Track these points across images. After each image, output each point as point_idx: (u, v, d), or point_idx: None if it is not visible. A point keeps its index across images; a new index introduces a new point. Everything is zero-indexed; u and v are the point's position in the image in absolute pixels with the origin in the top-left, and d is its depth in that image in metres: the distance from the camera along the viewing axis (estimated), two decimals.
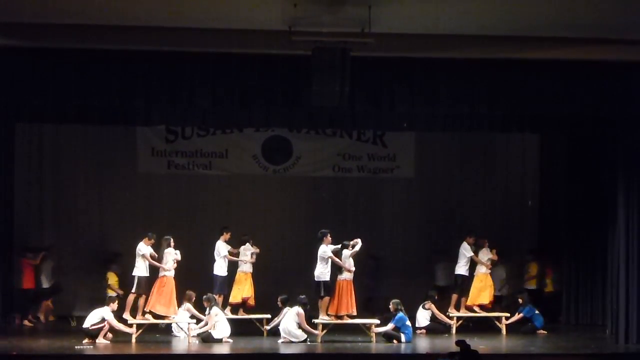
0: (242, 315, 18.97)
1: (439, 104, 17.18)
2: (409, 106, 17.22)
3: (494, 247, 19.97)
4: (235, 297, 19.00)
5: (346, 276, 17.99)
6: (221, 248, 18.91)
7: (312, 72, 15.59)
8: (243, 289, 18.98)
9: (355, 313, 18.10)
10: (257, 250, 19.16)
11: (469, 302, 19.74)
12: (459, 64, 16.89)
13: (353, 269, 18.04)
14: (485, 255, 19.82)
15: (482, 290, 19.74)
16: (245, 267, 19.12)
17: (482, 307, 19.80)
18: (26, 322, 20.13)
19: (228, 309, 18.83)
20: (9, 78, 16.30)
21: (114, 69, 16.51)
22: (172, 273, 18.11)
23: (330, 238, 18.09)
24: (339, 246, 18.05)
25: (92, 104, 17.14)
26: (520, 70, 16.96)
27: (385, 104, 17.16)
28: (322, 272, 18.06)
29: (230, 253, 18.95)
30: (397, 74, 16.99)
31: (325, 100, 15.91)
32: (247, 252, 19.09)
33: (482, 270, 19.82)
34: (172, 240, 18.23)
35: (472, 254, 19.76)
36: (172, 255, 18.08)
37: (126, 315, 18.11)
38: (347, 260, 17.97)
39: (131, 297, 18.24)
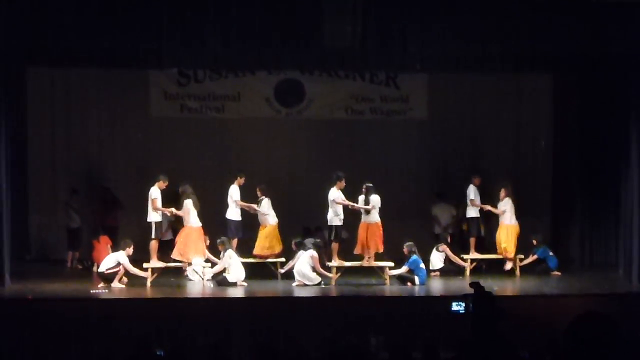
0: (256, 259, 19.03)
1: (451, 44, 17.08)
2: (420, 46, 17.12)
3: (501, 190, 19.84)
4: (262, 250, 18.98)
5: (368, 219, 18.01)
6: (234, 192, 18.90)
7: (324, 12, 15.50)
8: (273, 244, 18.98)
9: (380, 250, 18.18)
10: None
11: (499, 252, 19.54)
12: (471, 3, 16.78)
13: (371, 207, 18.04)
14: (505, 205, 19.61)
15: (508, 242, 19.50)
16: (271, 220, 19.07)
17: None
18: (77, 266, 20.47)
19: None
20: (20, 21, 16.24)
21: (125, 11, 16.45)
22: (194, 223, 18.11)
23: (343, 182, 18.09)
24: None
25: (103, 47, 17.08)
26: (532, 8, 16.83)
27: (397, 44, 17.06)
28: (332, 216, 18.09)
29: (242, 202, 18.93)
30: (409, 14, 16.89)
31: (338, 41, 15.85)
32: (267, 207, 19.04)
33: (506, 221, 19.52)
34: (188, 187, 18.17)
35: (474, 196, 19.69)
36: (192, 210, 18.05)
37: (154, 262, 18.07)
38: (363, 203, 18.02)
39: (154, 243, 18.20)
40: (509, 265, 19.35)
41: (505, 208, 19.46)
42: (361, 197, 18.11)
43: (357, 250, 18.19)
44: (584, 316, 5.24)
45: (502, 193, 19.54)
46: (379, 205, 18.12)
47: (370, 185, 18.21)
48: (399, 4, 16.69)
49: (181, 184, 18.69)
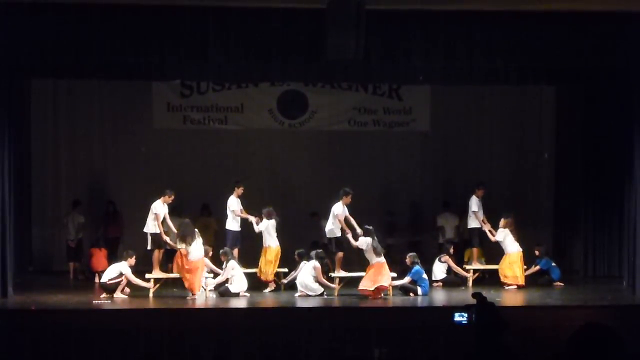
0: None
1: (455, 56, 17.11)
2: (424, 59, 17.16)
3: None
4: (266, 273, 18.78)
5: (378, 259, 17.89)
6: (232, 203, 18.89)
7: (327, 25, 15.54)
8: (274, 265, 18.85)
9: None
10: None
11: (504, 280, 19.13)
12: (474, 16, 16.80)
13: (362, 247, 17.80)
14: (500, 235, 19.33)
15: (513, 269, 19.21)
16: (273, 242, 18.82)
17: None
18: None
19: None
20: (25, 33, 16.27)
21: (129, 23, 16.48)
22: (198, 256, 17.93)
23: (349, 199, 18.02)
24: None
25: (107, 59, 17.11)
26: (535, 22, 16.87)
27: (400, 57, 17.10)
28: (331, 228, 18.08)
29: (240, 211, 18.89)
30: (413, 27, 16.90)
31: (341, 54, 15.86)
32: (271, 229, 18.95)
33: (507, 250, 19.19)
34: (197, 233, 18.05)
35: (476, 209, 19.68)
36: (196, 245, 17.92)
37: (156, 272, 17.99)
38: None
39: (156, 253, 18.14)
40: (512, 287, 19.14)
41: (500, 239, 19.28)
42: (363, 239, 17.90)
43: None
44: (586, 327, 5.24)
45: (501, 223, 19.38)
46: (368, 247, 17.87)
47: (370, 228, 17.99)
48: (402, 17, 16.71)
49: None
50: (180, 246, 17.48)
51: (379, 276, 17.42)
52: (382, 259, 17.56)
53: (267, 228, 18.65)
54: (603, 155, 20.50)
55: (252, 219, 18.82)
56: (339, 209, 18.02)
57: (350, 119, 22.67)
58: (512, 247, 19.18)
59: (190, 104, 22.28)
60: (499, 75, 18.50)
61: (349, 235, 17.95)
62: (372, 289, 17.37)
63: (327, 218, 18.47)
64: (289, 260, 19.12)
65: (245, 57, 17.00)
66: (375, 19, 15.96)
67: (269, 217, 18.69)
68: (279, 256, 18.75)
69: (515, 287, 18.88)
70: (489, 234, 19.52)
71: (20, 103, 19.47)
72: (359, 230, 17.89)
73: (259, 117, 22.49)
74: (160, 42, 16.67)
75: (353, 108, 22.65)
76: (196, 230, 17.83)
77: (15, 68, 17.32)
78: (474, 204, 19.72)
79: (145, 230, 18.06)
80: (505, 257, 19.20)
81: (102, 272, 18.60)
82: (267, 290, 18.54)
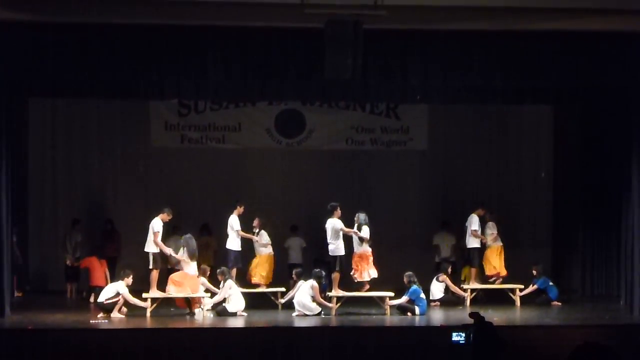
0: (256, 289, 19.03)
1: (452, 76, 17.14)
2: (422, 78, 17.19)
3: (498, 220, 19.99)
4: (260, 279, 19.06)
5: (365, 248, 18.04)
6: (234, 222, 18.89)
7: (324, 45, 15.57)
8: (268, 272, 19.09)
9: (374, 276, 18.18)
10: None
11: (488, 273, 19.81)
12: (472, 36, 16.83)
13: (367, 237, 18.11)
14: (491, 229, 19.82)
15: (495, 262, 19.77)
16: (266, 250, 19.18)
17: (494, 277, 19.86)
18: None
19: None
20: (22, 52, 16.29)
21: (126, 42, 16.50)
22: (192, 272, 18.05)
23: (339, 211, 18.07)
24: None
25: (105, 78, 17.16)
26: (533, 41, 16.90)
27: (398, 76, 17.13)
28: (336, 246, 18.06)
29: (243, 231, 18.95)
30: (410, 47, 16.94)
31: (338, 73, 15.88)
32: (265, 238, 19.13)
33: (495, 243, 19.83)
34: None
35: (477, 228, 19.69)
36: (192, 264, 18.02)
37: (153, 292, 17.97)
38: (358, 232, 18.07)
39: (154, 273, 18.09)
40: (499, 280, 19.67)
41: (494, 231, 19.79)
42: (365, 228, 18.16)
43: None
44: (584, 347, 5.24)
45: (487, 217, 19.90)
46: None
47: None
48: (400, 36, 16.74)
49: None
50: (183, 257, 17.64)
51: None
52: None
53: (265, 238, 18.97)
54: (601, 175, 20.53)
55: (255, 238, 18.91)
56: (335, 224, 17.98)
57: (347, 138, 22.70)
58: (496, 240, 19.87)
59: (188, 123, 22.30)
60: (496, 94, 18.57)
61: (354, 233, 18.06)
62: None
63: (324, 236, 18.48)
64: (286, 279, 19.11)
65: (243, 76, 17.03)
66: (373, 39, 15.99)
67: (264, 227, 19.10)
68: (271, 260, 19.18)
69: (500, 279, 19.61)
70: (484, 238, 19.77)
71: (18, 122, 19.48)
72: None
73: (257, 136, 22.51)
74: (159, 61, 16.69)
75: (351, 127, 22.68)
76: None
77: (14, 87, 17.36)
78: (475, 223, 19.71)
79: (146, 249, 18.01)
80: (491, 250, 19.78)
81: (99, 289, 18.62)
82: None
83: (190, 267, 17.83)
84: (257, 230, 19.13)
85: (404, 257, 20.84)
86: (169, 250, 18.04)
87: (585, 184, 21.11)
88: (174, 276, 17.99)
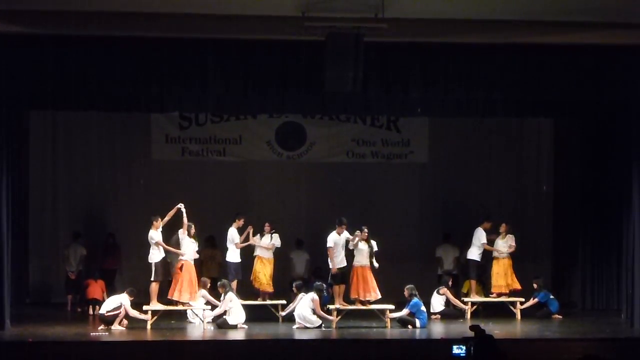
0: (257, 301, 19.01)
1: (453, 89, 17.18)
2: (422, 91, 17.24)
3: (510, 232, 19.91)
4: (264, 286, 19.03)
5: (360, 262, 17.98)
6: (234, 235, 18.88)
7: (325, 57, 15.62)
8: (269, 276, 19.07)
9: (377, 297, 18.08)
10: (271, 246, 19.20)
11: (495, 290, 19.67)
12: (473, 49, 16.88)
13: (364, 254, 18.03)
14: (508, 241, 19.71)
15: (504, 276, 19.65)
16: (267, 253, 19.13)
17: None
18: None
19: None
20: (24, 65, 16.33)
21: (127, 55, 16.55)
22: (190, 257, 17.95)
23: (343, 228, 18.01)
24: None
25: (105, 91, 17.18)
26: (533, 55, 16.95)
27: (398, 89, 17.18)
28: (341, 259, 18.01)
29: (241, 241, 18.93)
30: (411, 60, 17.00)
31: (339, 86, 15.92)
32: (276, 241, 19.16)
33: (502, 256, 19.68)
34: (192, 227, 18.07)
35: (485, 241, 19.65)
36: (190, 245, 17.94)
37: (154, 304, 17.89)
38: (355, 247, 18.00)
39: (154, 285, 18.05)
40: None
41: (512, 243, 19.67)
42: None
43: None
44: None
45: (503, 228, 19.78)
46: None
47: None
48: (400, 49, 16.78)
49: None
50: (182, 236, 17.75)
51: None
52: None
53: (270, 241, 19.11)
54: (601, 188, 20.57)
55: (256, 241, 18.92)
56: (329, 239, 17.94)
57: (348, 151, 22.72)
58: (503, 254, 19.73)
59: (188, 136, 22.31)
60: (497, 107, 18.57)
61: (357, 237, 17.95)
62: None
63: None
64: (286, 291, 19.09)
65: (243, 89, 17.07)
66: (374, 52, 16.03)
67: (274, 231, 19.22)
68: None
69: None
70: (491, 248, 19.71)
71: (19, 134, 19.49)
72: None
73: (258, 148, 22.52)
74: (159, 74, 16.74)
75: (351, 140, 22.69)
76: (193, 231, 17.97)
77: (14, 99, 17.34)
78: (483, 236, 19.65)
79: (149, 260, 17.97)
80: (500, 263, 19.64)
81: (98, 301, 18.62)
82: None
83: (187, 252, 17.86)
84: (268, 234, 19.06)
85: (405, 269, 20.84)
86: (176, 250, 17.96)
87: (586, 197, 21.12)
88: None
